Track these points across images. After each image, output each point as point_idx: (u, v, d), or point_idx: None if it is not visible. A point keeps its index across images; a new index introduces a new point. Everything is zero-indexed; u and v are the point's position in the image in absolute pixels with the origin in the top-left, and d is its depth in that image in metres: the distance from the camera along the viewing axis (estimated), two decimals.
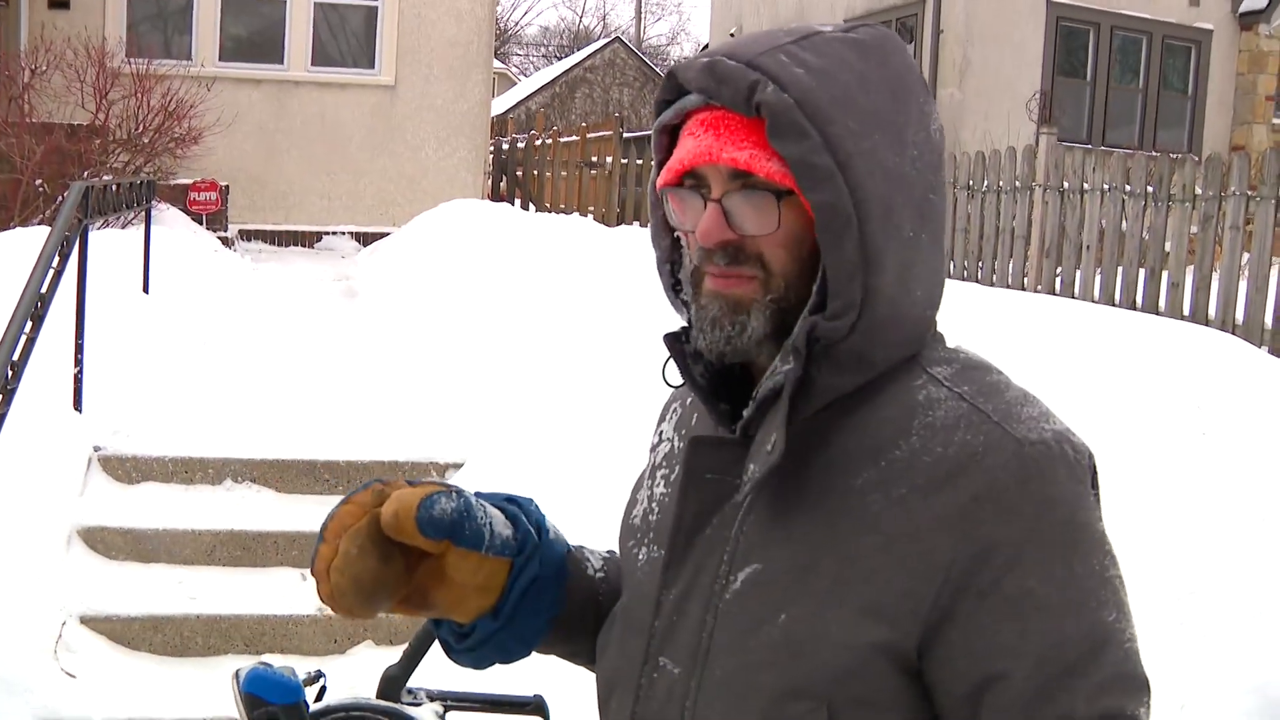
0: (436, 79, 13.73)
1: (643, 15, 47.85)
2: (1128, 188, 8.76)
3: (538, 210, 14.05)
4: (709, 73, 1.22)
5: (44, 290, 5.23)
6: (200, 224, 11.64)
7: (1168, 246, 8.45)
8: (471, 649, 1.38)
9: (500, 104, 31.35)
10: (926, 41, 15.91)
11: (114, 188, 7.78)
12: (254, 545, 5.60)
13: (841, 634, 1.18)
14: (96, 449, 5.96)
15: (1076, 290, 9.00)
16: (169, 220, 10.64)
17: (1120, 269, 8.74)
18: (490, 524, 1.31)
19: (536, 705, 2.54)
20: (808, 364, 1.22)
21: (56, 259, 5.49)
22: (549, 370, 6.94)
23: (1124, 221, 8.79)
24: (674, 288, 1.36)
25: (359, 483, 5.65)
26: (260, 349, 7.88)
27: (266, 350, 7.87)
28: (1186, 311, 8.07)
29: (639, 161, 15.08)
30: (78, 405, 6.16)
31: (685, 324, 1.34)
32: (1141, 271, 8.58)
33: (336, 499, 5.01)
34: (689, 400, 1.45)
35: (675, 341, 1.33)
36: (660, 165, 1.31)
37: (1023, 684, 1.14)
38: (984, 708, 1.16)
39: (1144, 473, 4.75)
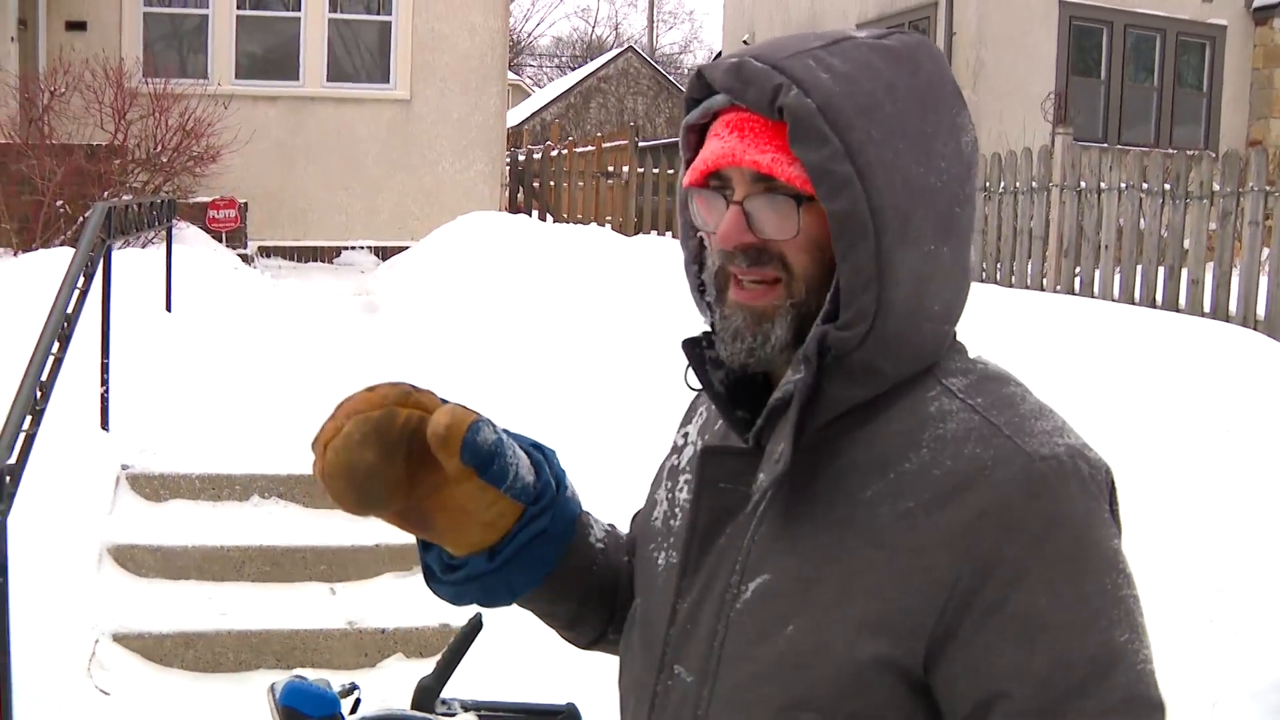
0: (451, 92, 13.79)
1: (655, 24, 47.92)
2: (1145, 186, 8.74)
3: (555, 221, 14.09)
4: (735, 73, 1.22)
5: (70, 310, 5.27)
6: (220, 241, 11.71)
7: (1186, 244, 8.43)
8: (455, 583, 1.35)
9: (515, 115, 31.42)
10: (939, 44, 15.91)
11: (135, 207, 7.83)
12: (283, 560, 5.63)
13: (844, 647, 1.16)
14: (124, 467, 6.01)
15: (1096, 289, 8.98)
16: (189, 238, 10.70)
17: (1139, 267, 8.73)
18: (517, 465, 1.28)
19: (570, 713, 2.55)
20: (819, 374, 1.21)
21: (81, 279, 5.54)
22: (569, 380, 6.96)
23: (1142, 220, 8.77)
24: (699, 288, 1.35)
25: None
26: (283, 365, 7.92)
27: (289, 366, 7.91)
28: (1207, 308, 8.05)
29: (655, 170, 15.10)
30: (105, 424, 6.21)
31: (708, 328, 1.33)
32: (1161, 269, 8.56)
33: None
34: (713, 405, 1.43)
35: (694, 347, 1.33)
36: (689, 164, 1.31)
37: (1027, 704, 1.11)
38: None
39: (1168, 470, 4.74)
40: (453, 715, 2.49)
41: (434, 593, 1.39)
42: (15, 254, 9.63)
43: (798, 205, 1.20)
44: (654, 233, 14.01)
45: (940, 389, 1.24)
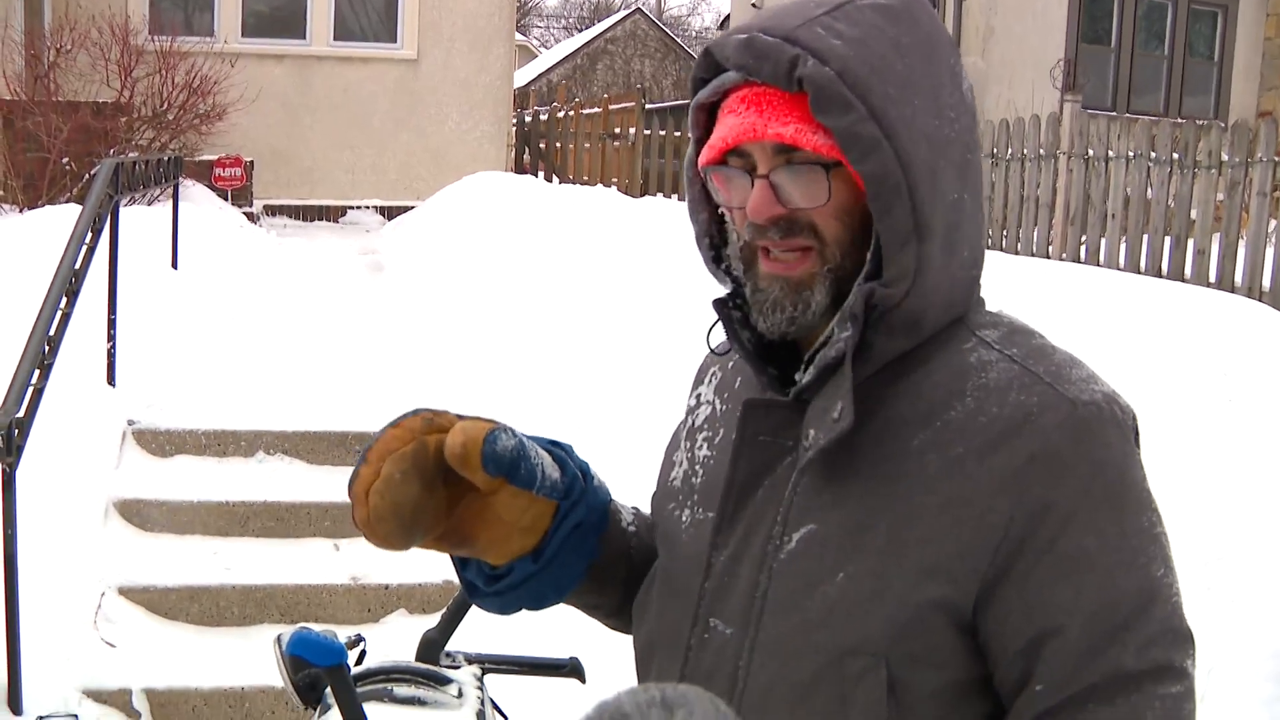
0: (459, 52, 13.74)
1: None
2: (1153, 155, 8.72)
3: (561, 182, 14.06)
4: (747, 49, 1.23)
5: (78, 266, 5.29)
6: (225, 200, 11.70)
7: (1193, 214, 8.41)
8: (501, 592, 1.36)
9: (521, 76, 31.32)
10: (949, 9, 15.83)
11: (143, 164, 7.83)
12: (287, 516, 5.67)
13: (901, 591, 1.20)
14: (130, 423, 6.04)
15: (1102, 258, 8.98)
16: (194, 196, 10.70)
17: (1145, 236, 8.72)
18: (542, 465, 1.29)
19: (573, 667, 2.59)
20: (864, 330, 1.23)
21: (89, 235, 5.55)
22: (575, 340, 6.98)
23: (1149, 189, 8.75)
24: (714, 259, 1.37)
25: None
26: (288, 323, 7.94)
27: (295, 324, 7.93)
28: (1212, 279, 8.05)
29: (661, 133, 15.06)
30: (111, 380, 6.24)
31: (729, 291, 1.35)
32: (1167, 239, 8.55)
33: None
34: (730, 364, 1.45)
35: (723, 306, 1.35)
36: (699, 143, 1.32)
37: (1077, 639, 1.16)
38: (1039, 662, 1.18)
39: (1171, 440, 4.76)
40: (456, 668, 2.52)
41: (482, 607, 1.41)
42: (21, 211, 9.63)
43: (826, 172, 1.22)
44: (660, 195, 13.99)
45: (976, 340, 1.28)
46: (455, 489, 1.28)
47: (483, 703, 2.45)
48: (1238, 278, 7.94)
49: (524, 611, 1.40)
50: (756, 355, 1.33)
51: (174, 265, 8.40)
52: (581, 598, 1.45)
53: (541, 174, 14.85)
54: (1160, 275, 8.33)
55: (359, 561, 5.46)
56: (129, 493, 5.60)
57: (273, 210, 13.04)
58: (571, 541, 1.35)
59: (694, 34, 46.06)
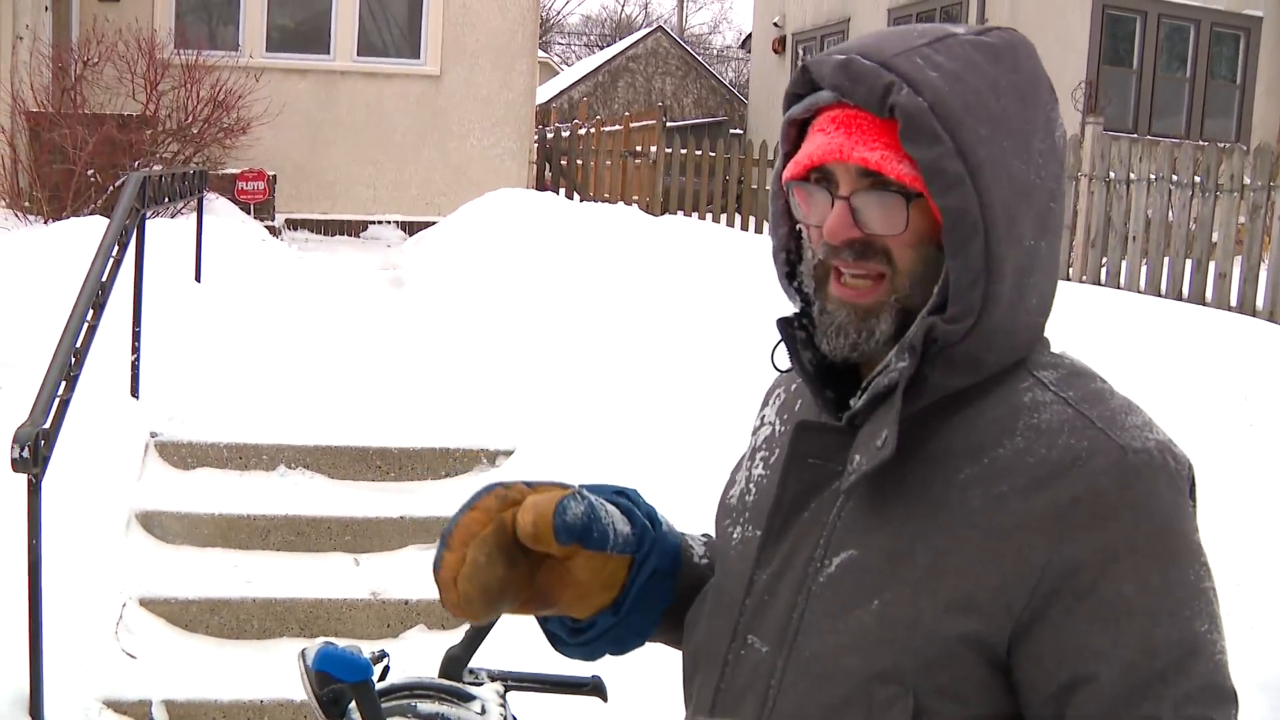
0: (481, 69, 13.80)
1: (684, 4, 47.78)
2: (1174, 177, 8.72)
3: (582, 199, 14.11)
4: (843, 71, 1.24)
5: (105, 278, 5.33)
6: (248, 213, 11.76)
7: (1215, 237, 8.41)
8: (586, 643, 1.41)
9: (543, 93, 31.39)
10: None
11: (169, 178, 7.89)
12: (308, 530, 5.69)
13: (932, 623, 1.20)
14: (153, 435, 6.07)
15: (1122, 280, 8.97)
16: (217, 210, 10.76)
17: (1166, 259, 8.71)
18: (612, 524, 1.33)
19: (595, 685, 2.59)
20: (921, 363, 1.24)
21: (116, 248, 5.59)
22: (596, 357, 6.99)
23: (1170, 211, 8.75)
24: (787, 275, 1.38)
25: (411, 470, 5.71)
26: (310, 337, 7.98)
27: (317, 338, 7.97)
28: (1234, 302, 8.04)
29: (683, 151, 15.10)
30: (135, 392, 6.27)
31: (796, 311, 1.36)
32: (1188, 262, 8.55)
33: (389, 485, 5.17)
34: (793, 386, 1.47)
35: (787, 326, 1.36)
36: (787, 157, 1.33)
37: (1111, 687, 1.15)
38: (1070, 708, 1.17)
39: (1192, 464, 4.75)
40: (479, 685, 2.53)
41: (567, 656, 1.46)
42: (46, 222, 9.70)
43: (907, 202, 1.23)
44: (680, 213, 14.02)
45: (1033, 381, 1.27)
46: (535, 558, 1.32)
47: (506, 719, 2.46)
48: (1259, 301, 7.93)
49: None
50: (816, 377, 1.34)
51: (197, 278, 8.45)
52: (662, 636, 1.49)
53: (563, 191, 14.89)
54: (1181, 298, 8.32)
55: (379, 576, 5.48)
56: (151, 504, 5.62)
57: (295, 224, 13.10)
58: (648, 589, 1.39)
59: (715, 52, 46.18)
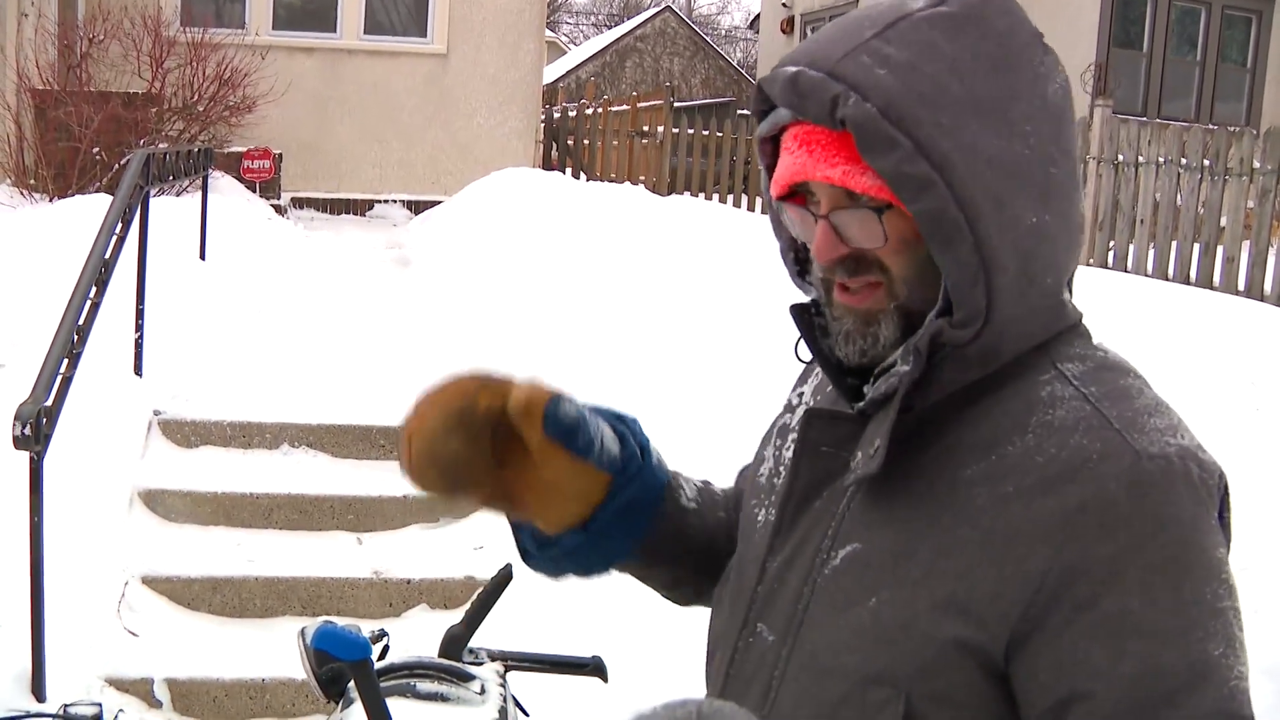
0: (488, 48, 13.75)
1: None
2: (1183, 161, 8.67)
3: (589, 179, 14.06)
4: (792, 88, 1.19)
5: (108, 256, 5.32)
6: (254, 192, 11.75)
7: (1223, 221, 8.37)
8: (552, 558, 1.39)
9: (550, 73, 31.32)
10: None
11: (173, 156, 7.87)
12: (310, 509, 5.68)
13: (926, 626, 1.15)
14: (157, 413, 6.07)
15: (1130, 264, 8.94)
16: (223, 188, 10.74)
17: (1174, 243, 8.68)
18: (601, 436, 1.31)
19: (596, 666, 2.59)
20: (930, 362, 1.19)
21: (120, 225, 5.58)
22: (601, 337, 6.98)
23: (1179, 195, 8.71)
24: (799, 273, 1.34)
25: None
26: (315, 316, 7.97)
27: (321, 317, 7.95)
28: (1241, 287, 8.01)
29: (690, 131, 15.05)
30: (138, 370, 6.27)
31: (812, 299, 1.32)
32: (1196, 246, 8.51)
33: (391, 464, 5.18)
34: None
35: (803, 313, 1.32)
36: (768, 170, 1.30)
37: (1109, 707, 1.08)
38: None
39: None
40: (480, 664, 2.53)
41: (533, 569, 1.43)
42: (51, 200, 9.68)
43: (879, 215, 1.17)
44: (687, 193, 13.98)
45: (1055, 373, 1.20)
46: (507, 451, 1.29)
47: (505, 700, 2.46)
48: (1267, 286, 7.90)
49: (573, 579, 1.43)
50: (837, 365, 1.29)
51: (202, 256, 8.43)
52: (632, 569, 1.46)
53: (569, 170, 14.86)
54: (1189, 282, 8.29)
55: (382, 555, 5.48)
56: (154, 483, 5.62)
57: (300, 203, 13.08)
58: (622, 517, 1.36)
59: (723, 32, 46.03)
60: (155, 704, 4.60)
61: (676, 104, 16.04)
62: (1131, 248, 8.99)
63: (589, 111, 15.52)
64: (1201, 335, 5.76)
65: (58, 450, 4.45)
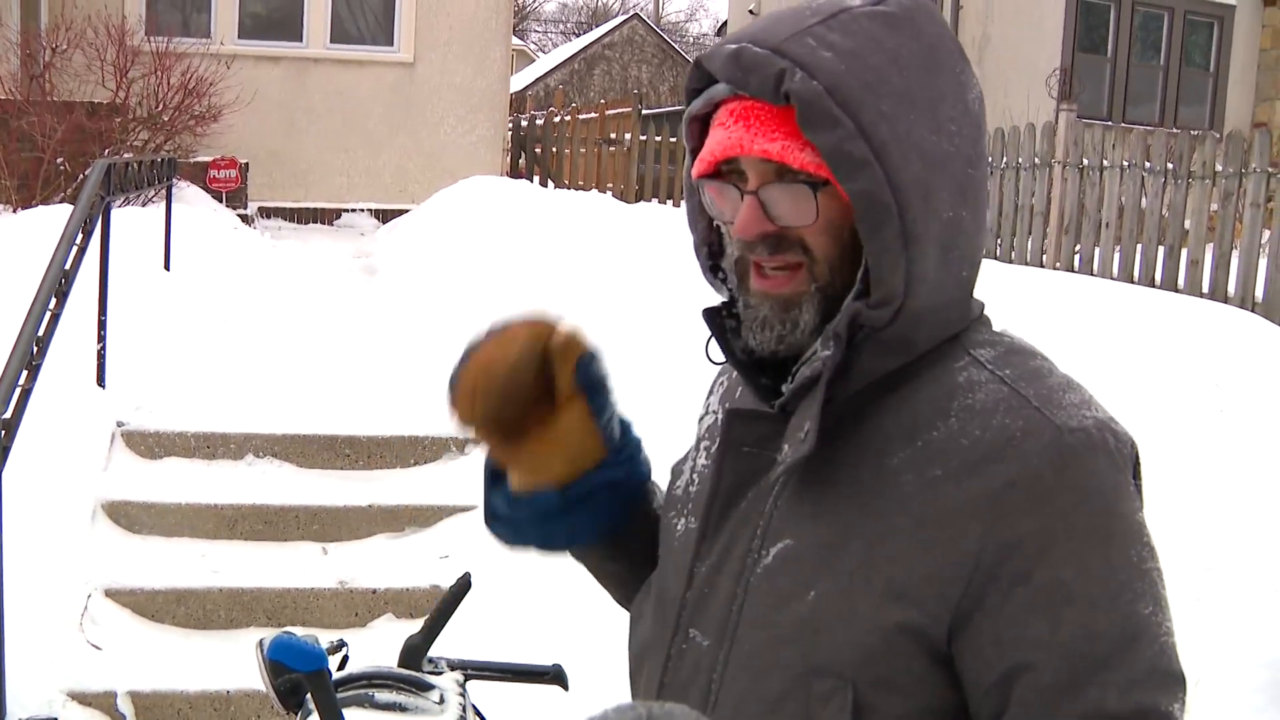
0: (455, 56, 13.73)
1: None
2: (1148, 165, 8.72)
3: (557, 187, 14.06)
4: (735, 61, 1.20)
5: (68, 267, 5.27)
6: (220, 201, 11.68)
7: (1187, 224, 8.42)
8: (516, 521, 1.40)
9: (519, 81, 31.31)
10: (946, 17, 15.83)
11: (135, 165, 7.82)
12: (275, 519, 5.65)
13: (867, 614, 1.17)
14: (120, 424, 6.02)
15: (1095, 267, 8.98)
16: (189, 198, 10.68)
17: (1139, 246, 8.72)
18: (615, 407, 1.37)
19: (556, 674, 2.57)
20: (849, 348, 1.21)
21: (80, 236, 5.53)
22: None
23: (1144, 199, 8.76)
24: (712, 269, 1.34)
25: (379, 458, 5.67)
26: (281, 326, 7.93)
27: (287, 327, 7.91)
28: (1205, 289, 8.05)
29: (658, 138, 15.07)
30: (101, 381, 6.22)
31: (724, 300, 1.33)
32: (1161, 249, 8.55)
33: (357, 474, 5.15)
34: (734, 374, 1.43)
35: (715, 317, 1.32)
36: (693, 153, 1.29)
37: (1052, 676, 1.12)
38: (1012, 699, 1.13)
39: (1161, 450, 4.75)
40: (439, 674, 2.51)
41: (492, 532, 1.44)
42: (15, 211, 9.61)
43: (814, 191, 1.19)
44: (655, 200, 13.99)
45: (969, 359, 1.24)
46: (534, 397, 1.33)
47: (464, 709, 2.44)
48: (1231, 288, 7.95)
49: (532, 551, 1.44)
50: (750, 365, 1.30)
51: (166, 267, 8.38)
52: (591, 558, 1.47)
53: (537, 178, 14.85)
54: (1154, 285, 8.33)
55: (347, 565, 5.45)
56: (117, 494, 5.58)
57: (267, 212, 13.02)
58: (600, 495, 1.37)
59: (691, 40, 46.09)
60: (119, 717, 4.55)
61: (644, 111, 16.05)
62: (1097, 251, 9.03)
63: (557, 119, 15.51)
64: (1166, 338, 5.78)
65: (18, 462, 4.41)
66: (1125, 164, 8.90)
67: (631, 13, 40.68)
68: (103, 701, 4.55)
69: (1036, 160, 9.61)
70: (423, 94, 13.68)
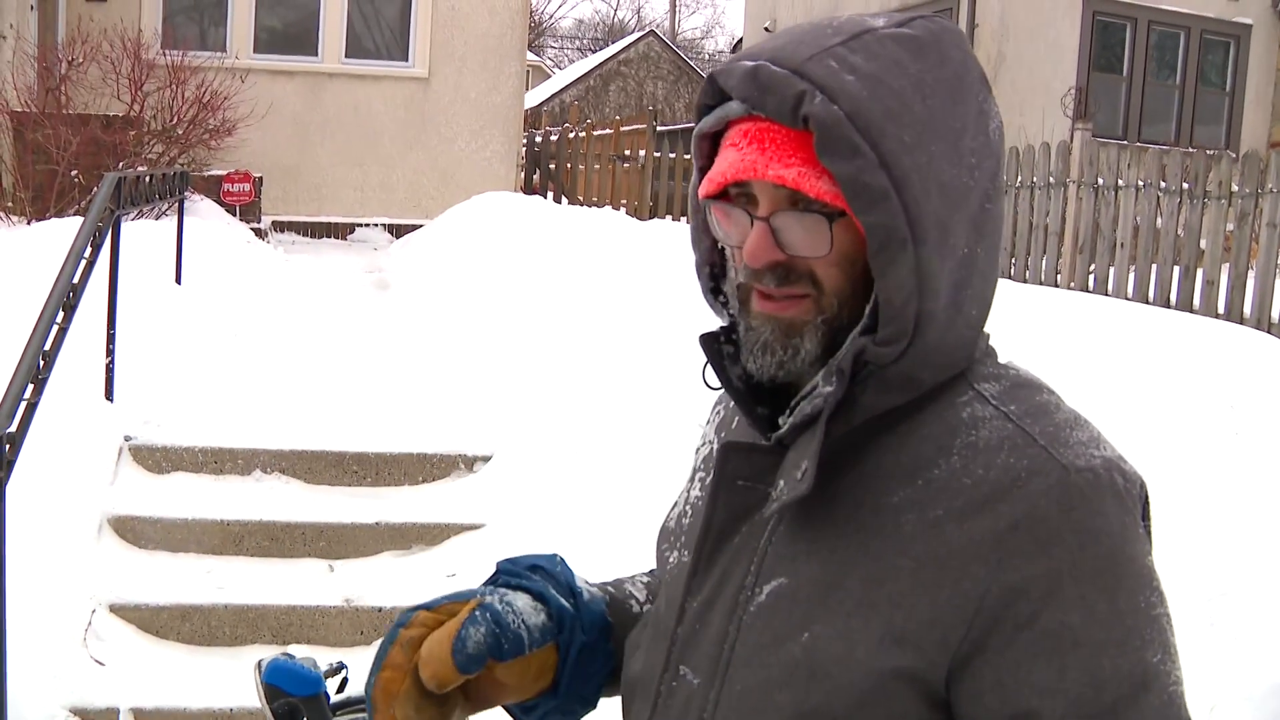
0: (470, 71, 13.75)
1: (677, 8, 47.77)
2: (1163, 184, 8.68)
3: (570, 203, 14.06)
4: (752, 80, 1.14)
5: (76, 280, 5.25)
6: (234, 215, 11.69)
7: (1203, 244, 8.37)
8: (540, 717, 1.39)
9: (534, 97, 31.39)
10: None
11: (148, 179, 7.81)
12: (282, 536, 5.62)
13: (864, 657, 1.12)
14: (127, 439, 6.00)
15: (1110, 287, 8.93)
16: (203, 211, 10.69)
17: (1154, 266, 8.67)
18: (524, 624, 1.30)
19: None
20: (852, 384, 1.16)
21: (89, 249, 5.52)
22: (579, 364, 6.94)
23: (1159, 218, 8.71)
24: (713, 290, 1.30)
25: (387, 475, 5.62)
26: (291, 341, 7.91)
27: (298, 342, 7.90)
28: (1221, 310, 8.00)
29: (672, 155, 15.06)
30: (109, 395, 6.20)
31: (723, 325, 1.28)
32: (1176, 269, 8.50)
33: (365, 490, 5.08)
34: (731, 403, 1.38)
35: (712, 343, 1.28)
36: (701, 172, 1.24)
37: None
38: None
39: (1176, 472, 4.70)
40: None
41: None
42: (29, 223, 9.63)
43: (829, 223, 1.13)
44: (668, 217, 13.98)
45: (973, 394, 1.19)
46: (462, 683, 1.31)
47: None
48: (1246, 309, 7.89)
49: None
50: (747, 394, 1.25)
51: (178, 280, 8.37)
52: (615, 690, 1.44)
53: (550, 194, 14.85)
54: (1169, 305, 8.28)
55: (353, 583, 5.42)
56: (124, 509, 5.55)
57: (281, 226, 13.04)
58: (582, 662, 1.35)
59: (707, 56, 46.15)
60: None
61: (659, 128, 16.05)
62: (1112, 271, 8.98)
63: (571, 135, 15.52)
64: (1181, 359, 5.74)
65: (24, 476, 4.39)
66: (1140, 183, 8.86)
67: (647, 29, 40.75)
68: (105, 718, 4.51)
69: (1051, 179, 9.57)
70: (437, 109, 13.69)
